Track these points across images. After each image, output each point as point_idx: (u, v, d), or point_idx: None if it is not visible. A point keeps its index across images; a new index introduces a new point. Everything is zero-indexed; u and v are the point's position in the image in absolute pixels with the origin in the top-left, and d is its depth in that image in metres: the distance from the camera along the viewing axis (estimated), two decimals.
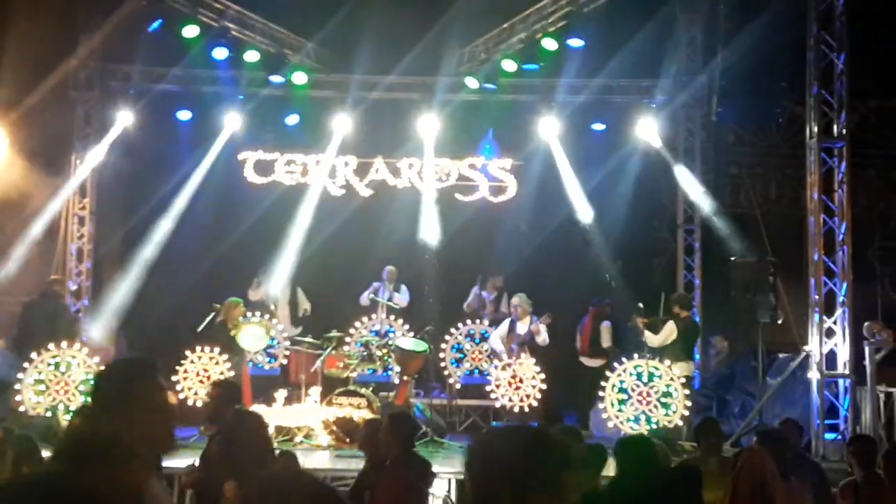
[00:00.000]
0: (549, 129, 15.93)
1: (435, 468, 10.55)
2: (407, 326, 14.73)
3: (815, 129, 12.82)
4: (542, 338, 13.68)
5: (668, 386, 12.39)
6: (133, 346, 15.00)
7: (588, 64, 15.33)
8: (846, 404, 12.46)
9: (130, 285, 15.43)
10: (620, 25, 14.75)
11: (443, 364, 14.64)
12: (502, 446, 2.84)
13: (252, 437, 4.67)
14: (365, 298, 15.16)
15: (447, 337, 14.85)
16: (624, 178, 16.07)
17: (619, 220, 15.85)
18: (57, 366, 12.56)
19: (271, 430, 12.19)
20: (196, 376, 12.73)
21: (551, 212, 16.01)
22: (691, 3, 16.00)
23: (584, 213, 15.73)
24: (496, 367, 13.59)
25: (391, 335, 14.44)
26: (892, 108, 16.48)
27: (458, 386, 14.59)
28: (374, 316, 14.90)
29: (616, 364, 12.82)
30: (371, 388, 13.10)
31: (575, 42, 14.66)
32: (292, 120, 16.45)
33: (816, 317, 12.61)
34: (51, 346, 12.63)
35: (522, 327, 13.82)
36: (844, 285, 12.65)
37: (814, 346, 12.60)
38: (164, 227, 15.63)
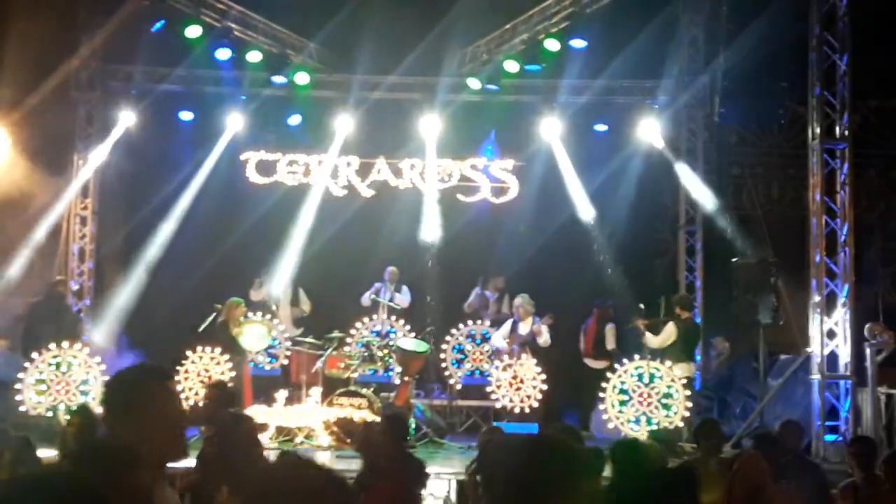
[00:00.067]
0: (551, 129, 15.93)
1: (435, 469, 10.61)
2: (408, 327, 14.72)
3: (818, 130, 12.80)
4: (544, 338, 13.66)
5: (668, 387, 12.38)
6: (134, 346, 14.98)
7: (590, 65, 15.32)
8: (847, 406, 12.44)
9: (132, 285, 15.45)
10: (623, 26, 14.74)
11: (444, 365, 14.65)
12: (516, 454, 2.81)
13: (244, 439, 4.66)
14: (366, 299, 15.15)
15: (448, 338, 14.85)
16: (626, 179, 16.06)
17: (621, 221, 15.85)
18: (58, 366, 12.57)
19: (272, 431, 12.28)
20: (197, 377, 12.72)
21: (553, 213, 16.00)
22: (693, 3, 15.99)
23: (586, 213, 15.72)
24: (497, 367, 13.58)
25: (392, 336, 14.44)
26: (893, 109, 16.45)
27: (458, 386, 14.60)
28: (375, 316, 14.89)
29: (618, 366, 12.81)
30: (372, 389, 13.10)
31: (577, 43, 14.65)
32: (294, 120, 16.47)
33: (818, 318, 12.59)
34: (52, 345, 12.64)
35: (524, 328, 13.81)
36: (846, 286, 12.63)
37: (815, 348, 12.58)
38: (165, 227, 15.66)
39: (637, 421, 12.29)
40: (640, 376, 12.44)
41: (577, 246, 15.77)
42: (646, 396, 12.37)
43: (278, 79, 15.44)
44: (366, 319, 14.82)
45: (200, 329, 13.27)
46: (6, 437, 6.70)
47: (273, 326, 14.34)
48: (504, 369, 13.42)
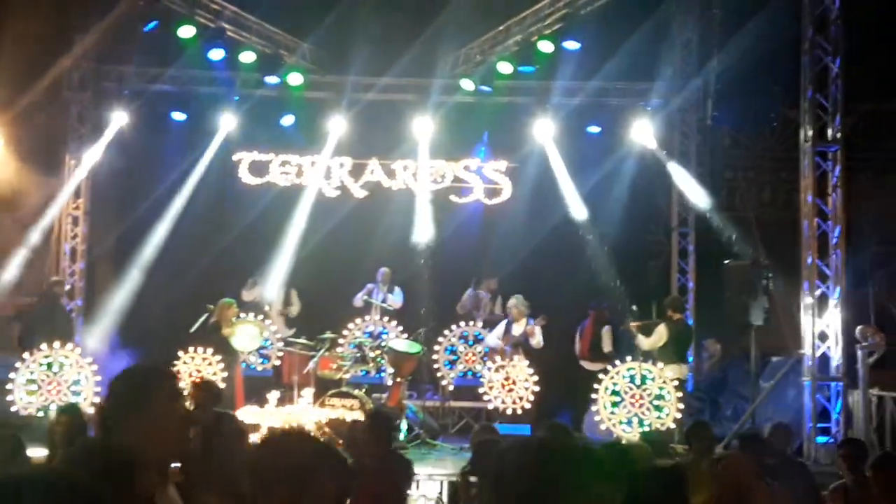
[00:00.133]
0: (544, 131, 15.94)
1: (427, 470, 10.62)
2: (401, 328, 14.72)
3: (810, 132, 12.82)
4: (537, 340, 13.67)
5: (660, 389, 12.40)
6: (126, 347, 14.94)
7: (584, 66, 15.33)
8: (838, 408, 12.46)
9: (124, 286, 15.43)
10: (616, 28, 14.75)
11: (436, 366, 14.64)
12: (532, 454, 2.78)
13: (230, 438, 4.65)
14: (359, 300, 15.15)
15: (440, 339, 14.84)
16: (619, 181, 16.09)
17: (615, 222, 15.87)
18: (49, 366, 12.55)
19: (264, 431, 12.24)
20: (189, 377, 12.69)
21: (546, 214, 16.00)
22: (686, 6, 16.01)
23: (579, 215, 15.73)
24: (489, 368, 13.60)
25: (384, 337, 14.44)
26: (885, 112, 16.49)
27: (451, 388, 14.60)
28: (367, 317, 14.91)
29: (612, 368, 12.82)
30: (364, 390, 13.10)
31: (571, 44, 14.64)
32: (287, 121, 16.45)
33: (809, 320, 12.61)
34: (43, 346, 12.62)
35: (518, 329, 13.82)
36: (837, 289, 12.65)
37: (806, 350, 12.60)
38: (158, 227, 15.63)
39: (629, 422, 12.31)
40: (632, 378, 12.46)
41: (570, 247, 15.77)
42: (638, 398, 12.39)
43: (271, 79, 15.42)
44: (358, 320, 14.83)
45: (192, 330, 13.26)
46: None
47: (265, 327, 14.32)
48: (496, 370, 13.43)
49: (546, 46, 14.67)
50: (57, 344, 12.68)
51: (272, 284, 15.32)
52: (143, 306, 15.30)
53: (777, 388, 13.37)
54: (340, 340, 14.22)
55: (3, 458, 6.16)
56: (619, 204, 15.99)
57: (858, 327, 12.71)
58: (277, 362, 14.65)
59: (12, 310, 15.04)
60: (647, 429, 12.18)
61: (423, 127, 16.02)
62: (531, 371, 13.37)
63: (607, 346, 14.05)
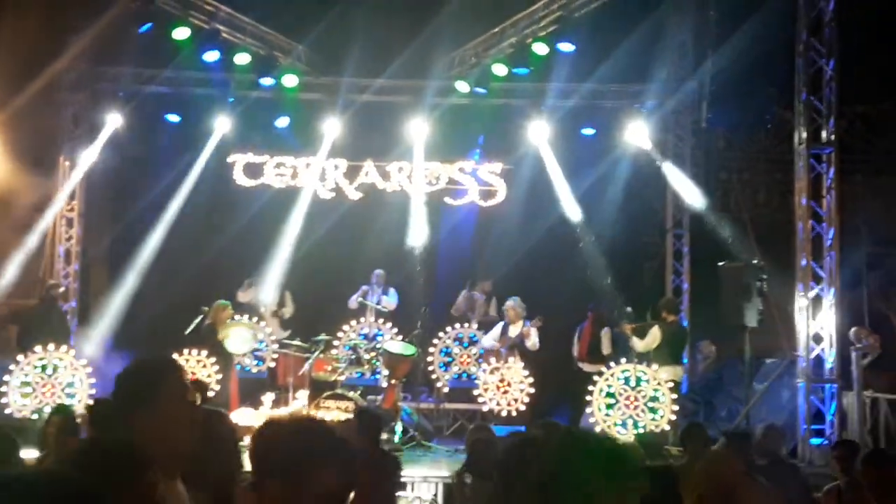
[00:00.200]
0: (538, 133, 15.94)
1: (422, 472, 10.62)
2: (395, 330, 14.71)
3: (804, 134, 12.86)
4: (532, 342, 13.67)
5: (655, 390, 12.41)
6: (120, 348, 14.92)
7: (578, 68, 15.31)
8: (832, 409, 12.49)
9: (119, 288, 15.40)
10: (611, 30, 14.75)
11: (431, 367, 14.63)
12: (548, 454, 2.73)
13: (216, 438, 4.62)
14: (353, 302, 15.14)
15: (435, 340, 14.84)
16: (614, 183, 16.10)
17: (610, 224, 15.87)
18: (43, 368, 12.54)
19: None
20: None
21: (541, 216, 16.00)
22: (681, 8, 16.00)
23: (574, 217, 15.73)
24: (484, 370, 13.60)
25: (379, 339, 14.44)
26: (880, 114, 16.52)
27: (445, 389, 14.59)
28: (362, 319, 14.90)
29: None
30: (359, 392, 13.12)
31: (565, 46, 14.64)
32: (282, 122, 16.43)
33: (804, 322, 12.64)
34: (37, 348, 12.60)
35: (514, 330, 13.82)
36: (832, 290, 12.69)
37: (801, 351, 12.63)
38: (153, 229, 15.61)
39: (624, 424, 12.32)
40: (627, 380, 12.47)
41: (565, 249, 15.78)
42: (632, 400, 12.40)
43: (266, 81, 15.40)
44: (353, 322, 14.82)
45: (187, 331, 13.25)
46: None
47: (259, 329, 14.32)
48: (491, 372, 13.44)
49: (540, 48, 14.68)
50: (51, 346, 12.66)
51: (267, 286, 15.29)
52: (138, 308, 15.27)
53: (771, 389, 13.40)
54: (335, 342, 14.23)
55: None
56: (614, 206, 16.00)
57: (853, 329, 12.75)
58: (272, 364, 14.63)
59: (5, 310, 15.01)
60: (641, 430, 12.19)
61: (418, 129, 16.01)
62: (526, 373, 13.38)
63: (606, 349, 14.04)
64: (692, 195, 15.74)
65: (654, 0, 15.31)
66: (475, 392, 13.57)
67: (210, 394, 11.77)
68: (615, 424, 12.32)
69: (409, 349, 13.68)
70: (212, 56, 14.88)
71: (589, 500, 2.59)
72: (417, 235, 15.81)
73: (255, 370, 14.68)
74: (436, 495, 10.15)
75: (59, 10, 15.18)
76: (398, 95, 16.26)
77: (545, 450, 2.76)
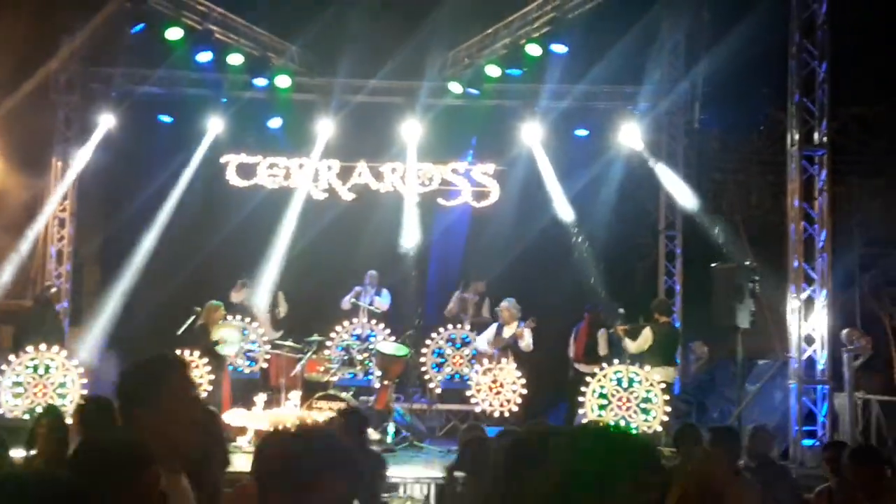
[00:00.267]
0: (532, 134, 15.96)
1: (415, 473, 10.62)
2: (388, 331, 14.70)
3: (797, 136, 12.87)
4: (526, 342, 13.66)
5: (647, 391, 12.42)
6: (113, 349, 14.90)
7: (571, 70, 15.34)
8: (824, 411, 12.50)
9: (111, 288, 15.38)
10: (604, 31, 14.77)
11: (423, 368, 14.62)
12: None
13: (207, 436, 4.63)
14: (346, 302, 15.13)
15: (428, 341, 14.83)
16: (607, 184, 16.13)
17: (603, 225, 15.90)
18: (35, 368, 12.50)
19: (251, 434, 12.25)
20: None
21: (534, 217, 16.02)
22: (674, 10, 16.02)
23: (567, 218, 15.74)
24: (477, 371, 13.60)
25: (372, 339, 14.43)
26: (873, 116, 16.56)
27: (438, 390, 14.59)
28: (355, 320, 14.89)
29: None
30: (351, 393, 13.13)
31: (558, 48, 14.64)
32: (275, 123, 16.42)
33: (796, 323, 12.65)
34: (29, 348, 12.58)
35: (508, 331, 13.82)
36: (824, 292, 12.70)
37: (793, 353, 12.64)
38: (145, 230, 15.58)
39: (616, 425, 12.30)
40: (620, 381, 12.48)
41: (558, 250, 15.79)
42: (625, 401, 12.41)
43: (259, 82, 15.38)
44: (346, 323, 14.81)
45: (179, 332, 13.23)
46: None
47: (252, 329, 14.30)
48: (484, 373, 13.44)
49: (534, 50, 14.67)
50: (43, 346, 12.63)
51: (261, 287, 15.26)
52: (131, 308, 15.25)
53: (763, 390, 13.42)
54: (328, 343, 14.20)
55: None
56: (607, 207, 16.03)
57: (844, 330, 12.77)
58: (265, 365, 14.58)
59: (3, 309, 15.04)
60: (634, 432, 12.19)
61: (411, 130, 16.02)
62: (519, 374, 13.38)
63: (603, 349, 14.02)
64: (685, 196, 15.76)
65: (648, 1, 15.32)
66: (468, 393, 13.57)
67: (202, 394, 11.74)
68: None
69: (401, 350, 13.68)
70: (205, 57, 14.85)
71: (612, 498, 2.53)
72: (410, 237, 15.80)
73: (247, 371, 14.64)
74: (428, 495, 10.14)
75: (52, 11, 15.17)
76: (391, 96, 16.27)
77: (559, 448, 2.70)
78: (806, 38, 12.89)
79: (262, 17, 15.51)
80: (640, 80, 16.08)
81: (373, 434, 12.45)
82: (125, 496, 2.65)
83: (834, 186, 13.19)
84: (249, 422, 12.40)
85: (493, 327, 14.10)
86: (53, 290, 15.31)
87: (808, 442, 12.39)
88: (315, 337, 13.78)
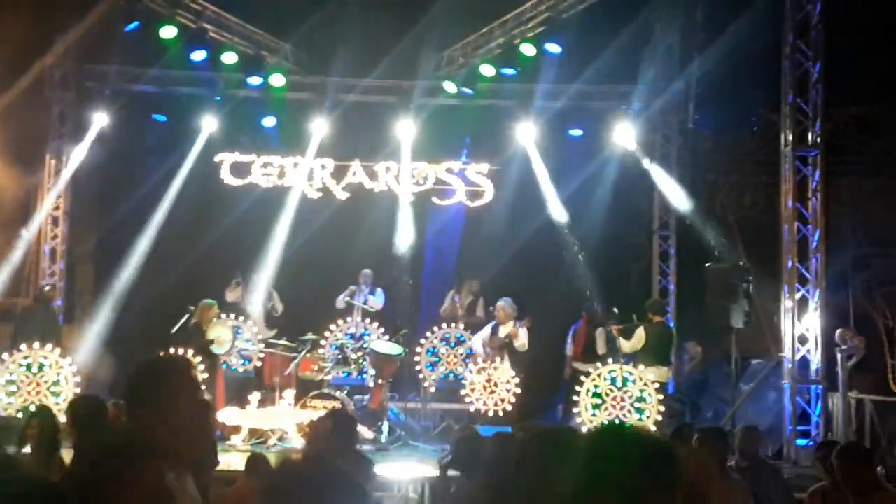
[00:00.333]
0: (526, 134, 15.97)
1: (410, 471, 10.62)
2: (382, 330, 14.70)
3: (790, 137, 12.91)
4: (521, 342, 13.66)
5: (641, 391, 12.44)
6: (107, 348, 14.87)
7: (566, 69, 15.33)
8: (818, 410, 12.54)
9: (105, 287, 15.36)
10: (598, 31, 14.76)
11: (418, 367, 14.62)
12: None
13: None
14: (340, 301, 15.12)
15: (423, 340, 14.83)
16: (601, 184, 16.13)
17: (597, 225, 15.89)
18: (28, 367, 12.49)
19: (245, 433, 12.26)
20: None
21: (528, 217, 16.02)
22: (668, 10, 16.03)
23: (561, 218, 15.75)
24: (471, 371, 13.61)
25: (366, 338, 14.43)
26: (867, 117, 16.58)
27: (432, 389, 14.58)
28: (349, 319, 14.88)
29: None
30: (346, 391, 13.13)
31: (553, 47, 14.65)
32: (269, 122, 16.40)
33: (789, 323, 12.69)
34: (22, 346, 12.57)
35: (504, 331, 13.82)
36: (817, 292, 12.73)
37: (786, 353, 12.67)
38: (140, 228, 15.56)
39: None
40: (614, 380, 12.50)
41: (552, 250, 15.79)
42: (619, 400, 12.43)
43: (254, 80, 15.35)
44: (340, 322, 14.80)
45: (173, 330, 13.22)
46: None
47: (247, 328, 14.29)
48: (478, 372, 13.44)
49: (528, 49, 14.68)
50: (36, 344, 12.62)
51: (256, 285, 15.25)
52: (125, 307, 15.21)
53: (757, 390, 13.45)
54: (322, 342, 14.20)
55: None
56: (601, 207, 16.02)
57: (838, 331, 12.80)
58: (259, 363, 14.57)
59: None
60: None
61: (406, 129, 16.02)
62: (513, 373, 13.38)
63: (602, 348, 14.01)
64: (678, 197, 15.78)
65: (641, 1, 15.33)
66: (462, 392, 13.57)
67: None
68: (602, 425, 12.31)
69: (395, 349, 13.68)
70: (199, 55, 14.81)
71: (637, 500, 2.52)
72: (405, 236, 15.80)
73: (241, 369, 14.62)
74: (422, 494, 10.14)
75: (47, 8, 15.11)
76: (386, 95, 16.27)
77: (584, 449, 2.68)
78: (800, 39, 12.93)
79: (257, 16, 15.49)
80: (634, 80, 16.08)
81: (367, 433, 12.49)
82: (129, 490, 2.65)
83: (830, 187, 13.23)
84: (243, 420, 12.41)
85: (489, 327, 14.10)
86: (47, 288, 15.30)
87: (801, 442, 12.43)
88: (309, 336, 13.78)
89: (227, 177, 16.13)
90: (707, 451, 6.82)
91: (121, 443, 2.78)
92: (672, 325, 15.07)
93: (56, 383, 12.48)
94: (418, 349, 14.64)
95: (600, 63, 15.13)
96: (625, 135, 15.86)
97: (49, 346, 12.71)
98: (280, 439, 12.34)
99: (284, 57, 15.87)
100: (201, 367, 12.75)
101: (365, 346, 13.93)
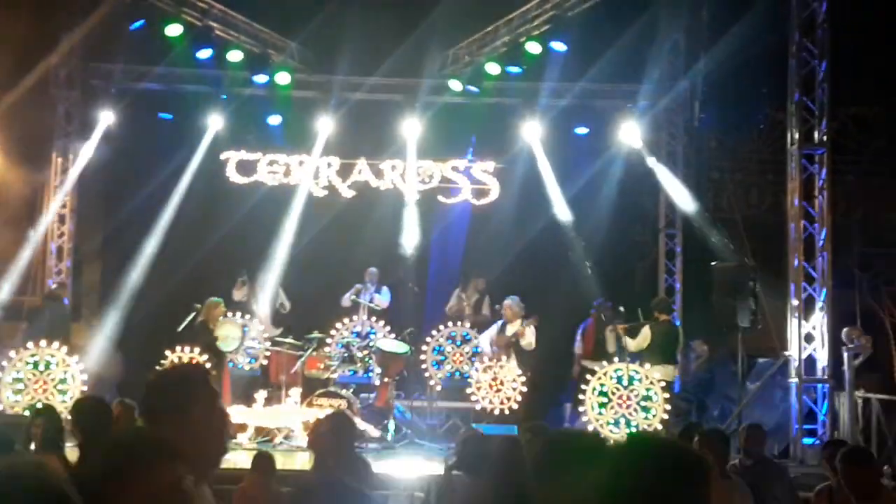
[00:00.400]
0: (532, 132, 15.96)
1: (415, 470, 10.63)
2: (388, 328, 14.70)
3: (796, 135, 12.90)
4: (527, 340, 13.64)
5: (647, 390, 12.42)
6: (114, 346, 14.89)
7: (571, 68, 15.32)
8: (824, 409, 12.54)
9: (111, 285, 15.39)
10: (603, 30, 14.77)
11: (424, 366, 14.61)
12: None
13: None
14: (346, 300, 15.12)
15: (428, 339, 14.82)
16: (607, 182, 16.12)
17: (602, 223, 15.88)
18: (35, 364, 12.51)
19: (251, 431, 12.27)
20: None
21: (534, 215, 16.00)
22: (674, 8, 16.01)
23: (566, 216, 15.74)
24: (477, 369, 13.60)
25: (372, 336, 14.43)
26: (873, 116, 16.58)
27: (438, 388, 14.57)
28: (355, 317, 14.87)
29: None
30: (352, 390, 13.12)
31: (558, 46, 14.64)
32: (275, 120, 16.41)
33: (796, 322, 12.68)
34: (29, 344, 12.59)
35: (511, 329, 13.81)
36: (824, 291, 12.73)
37: (793, 351, 12.67)
38: (145, 226, 15.57)
39: (616, 423, 12.32)
40: (620, 379, 12.48)
41: (558, 248, 15.78)
42: (625, 399, 12.41)
43: (259, 78, 15.36)
44: (346, 320, 14.79)
45: (180, 329, 13.23)
46: None
47: (253, 326, 14.29)
48: (484, 371, 13.43)
49: (534, 47, 14.66)
50: (43, 342, 12.64)
51: (262, 284, 15.25)
52: (132, 305, 15.22)
53: (763, 389, 13.43)
54: (328, 340, 14.19)
55: None
56: (607, 205, 16.02)
57: (844, 329, 12.79)
58: (265, 362, 14.55)
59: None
60: (634, 430, 12.20)
61: (411, 127, 16.02)
62: (519, 371, 13.38)
63: (612, 346, 14.01)
64: (683, 196, 15.77)
65: (647, 0, 15.31)
66: (468, 390, 13.57)
67: None
68: (608, 423, 12.34)
69: (401, 347, 13.69)
70: (204, 53, 14.82)
71: None
72: (410, 234, 15.80)
73: (247, 368, 14.61)
74: (428, 493, 10.14)
75: (52, 7, 15.16)
76: (391, 94, 16.27)
77: (613, 458, 2.66)
78: (806, 37, 12.92)
79: (263, 14, 15.49)
80: (639, 79, 16.08)
81: (373, 431, 12.50)
82: (145, 489, 2.65)
83: (834, 186, 13.21)
84: (250, 419, 12.41)
85: (497, 325, 14.08)
86: (55, 286, 15.33)
87: (808, 440, 12.42)
88: (315, 334, 13.78)
89: (232, 175, 16.13)
90: (708, 453, 6.82)
91: (139, 442, 2.78)
92: (678, 323, 15.06)
93: (63, 381, 12.50)
94: (424, 347, 14.62)
95: (606, 61, 15.13)
96: (630, 133, 15.85)
97: (56, 344, 12.73)
98: (286, 437, 12.35)
99: (290, 55, 15.88)
100: (208, 365, 12.75)
101: (371, 344, 13.93)
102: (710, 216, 15.60)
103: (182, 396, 3.16)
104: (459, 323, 14.98)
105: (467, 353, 14.65)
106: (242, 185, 16.10)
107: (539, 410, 13.47)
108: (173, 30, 14.36)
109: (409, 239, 15.74)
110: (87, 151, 15.74)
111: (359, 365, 13.66)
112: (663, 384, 12.53)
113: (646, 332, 13.13)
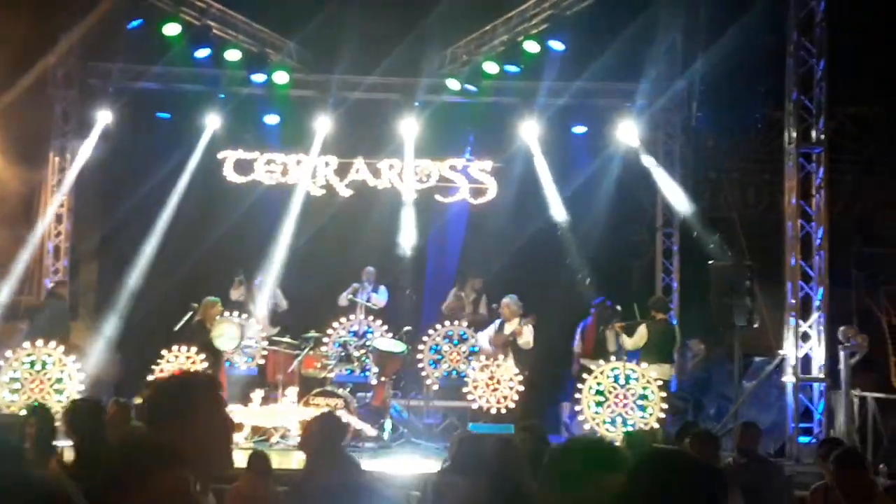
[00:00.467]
0: (529, 131, 15.96)
1: (411, 468, 10.64)
2: (385, 327, 14.70)
3: (794, 134, 12.91)
4: (525, 339, 13.63)
5: (644, 388, 12.43)
6: (111, 345, 14.89)
7: (569, 67, 15.32)
8: (821, 408, 12.55)
9: (108, 285, 15.39)
10: (601, 29, 14.78)
11: (420, 365, 14.61)
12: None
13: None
14: (343, 299, 15.11)
15: (425, 338, 14.81)
16: (604, 181, 16.12)
17: (600, 222, 15.89)
18: (32, 364, 12.50)
19: (248, 430, 12.27)
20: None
21: (532, 214, 16.02)
22: (672, 8, 16.01)
23: (563, 215, 15.75)
24: (474, 368, 13.59)
25: (369, 336, 14.43)
26: (872, 116, 16.58)
27: (435, 387, 14.56)
28: (352, 316, 14.86)
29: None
30: (348, 389, 13.11)
31: (556, 45, 14.64)
32: (272, 119, 16.41)
33: (792, 321, 12.69)
34: (26, 343, 12.59)
35: (509, 328, 13.81)
36: (820, 290, 12.74)
37: (789, 350, 12.67)
38: (143, 225, 15.57)
39: (613, 422, 12.33)
40: (616, 377, 12.48)
41: (555, 247, 15.79)
42: (622, 398, 12.41)
43: (257, 78, 15.36)
44: (343, 319, 14.78)
45: (176, 328, 13.23)
46: None
47: (249, 325, 14.29)
48: (481, 370, 13.43)
49: (532, 46, 14.67)
50: (40, 342, 12.63)
51: (258, 282, 15.26)
52: (130, 305, 15.22)
53: (760, 388, 13.44)
54: (325, 339, 14.18)
55: None
56: (604, 204, 16.02)
57: (841, 328, 12.79)
58: (262, 361, 14.54)
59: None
60: (630, 428, 12.20)
61: (409, 126, 16.02)
62: (516, 370, 13.37)
63: (612, 345, 14.00)
64: (680, 195, 15.78)
65: (645, 0, 15.32)
66: (465, 389, 13.56)
67: None
68: (604, 422, 12.34)
69: (398, 346, 13.69)
70: (202, 52, 14.83)
71: None
72: (408, 233, 15.80)
73: (244, 367, 14.61)
74: (425, 492, 10.14)
75: (50, 6, 15.14)
76: (389, 93, 16.27)
77: (632, 469, 2.64)
78: (804, 36, 12.93)
79: (260, 14, 15.49)
80: (637, 78, 16.07)
81: (369, 430, 12.50)
82: (154, 495, 2.65)
83: (831, 185, 13.22)
84: (246, 418, 12.41)
85: (495, 324, 14.08)
86: (51, 285, 15.33)
87: (804, 439, 12.43)
88: (312, 333, 13.79)
89: (230, 174, 16.13)
90: (698, 453, 6.83)
91: (145, 448, 2.78)
92: (675, 322, 15.06)
93: (59, 381, 12.50)
94: (421, 346, 14.62)
95: (603, 61, 15.12)
96: (628, 132, 15.86)
97: (53, 344, 12.72)
98: (283, 437, 12.36)
99: (288, 54, 15.87)
100: (204, 364, 12.77)
101: (368, 343, 13.92)
102: (707, 215, 15.60)
103: (186, 405, 3.15)
104: (457, 322, 14.97)
105: (464, 352, 14.63)
106: (240, 184, 16.11)
107: (536, 410, 13.46)
108: (171, 29, 14.36)
109: (407, 238, 15.74)
110: (84, 151, 15.74)
111: (356, 364, 13.66)
112: (660, 383, 12.54)
113: (642, 331, 13.13)
